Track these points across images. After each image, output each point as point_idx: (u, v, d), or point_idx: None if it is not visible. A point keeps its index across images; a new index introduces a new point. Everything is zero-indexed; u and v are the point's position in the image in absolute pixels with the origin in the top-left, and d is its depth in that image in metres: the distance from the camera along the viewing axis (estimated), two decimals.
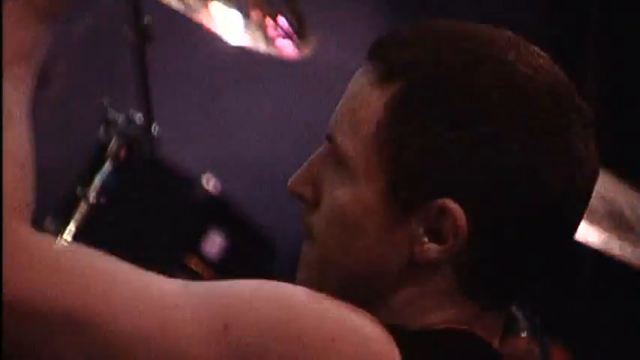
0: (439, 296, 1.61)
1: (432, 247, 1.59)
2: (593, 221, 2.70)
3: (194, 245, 3.76)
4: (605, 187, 2.73)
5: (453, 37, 1.61)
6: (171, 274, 3.89)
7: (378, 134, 1.58)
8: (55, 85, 4.25)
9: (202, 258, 3.77)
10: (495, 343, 1.66)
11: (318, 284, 1.61)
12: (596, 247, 2.74)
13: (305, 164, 1.66)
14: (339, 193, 1.61)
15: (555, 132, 1.59)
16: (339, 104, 1.63)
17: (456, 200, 1.57)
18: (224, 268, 3.79)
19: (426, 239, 1.59)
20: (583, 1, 4.65)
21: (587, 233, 2.67)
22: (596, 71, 4.52)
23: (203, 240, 3.76)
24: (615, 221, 2.64)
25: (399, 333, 1.56)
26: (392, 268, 1.60)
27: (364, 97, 1.60)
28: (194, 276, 3.75)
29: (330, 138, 1.63)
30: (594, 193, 1.68)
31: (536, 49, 1.63)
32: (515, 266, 1.63)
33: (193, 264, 3.76)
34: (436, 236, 1.58)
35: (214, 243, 3.79)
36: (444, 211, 1.57)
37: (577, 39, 4.61)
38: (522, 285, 1.65)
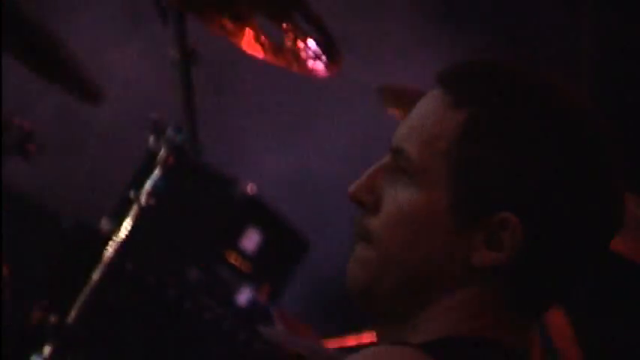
0: (486, 309, 1.61)
1: (489, 255, 1.59)
2: None
3: (233, 241, 3.73)
4: None
5: (519, 74, 1.64)
6: (212, 267, 3.93)
7: (449, 150, 1.60)
8: (110, 100, 4.28)
9: (241, 253, 3.76)
10: (525, 350, 1.66)
11: (376, 282, 1.63)
12: None
13: (366, 173, 1.66)
14: (405, 199, 1.61)
15: (611, 171, 1.63)
16: (408, 121, 1.65)
17: (516, 215, 1.58)
18: (260, 262, 3.79)
19: (484, 247, 1.60)
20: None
21: None
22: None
23: (241, 237, 3.75)
24: None
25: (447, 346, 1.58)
26: (449, 270, 1.60)
27: (438, 116, 1.62)
28: (233, 269, 3.77)
29: (396, 150, 1.63)
30: None
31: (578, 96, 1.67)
32: (558, 281, 1.63)
33: (232, 258, 3.76)
34: (493, 245, 1.59)
35: (251, 239, 3.77)
36: (504, 223, 1.58)
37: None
38: (560, 298, 1.66)
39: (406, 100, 3.06)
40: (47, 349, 2.88)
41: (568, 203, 1.60)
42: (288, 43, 2.91)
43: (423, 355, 1.53)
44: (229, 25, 2.89)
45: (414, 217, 1.61)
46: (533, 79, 1.64)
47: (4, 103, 2.94)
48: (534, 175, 1.59)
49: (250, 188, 3.77)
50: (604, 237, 1.65)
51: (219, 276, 3.74)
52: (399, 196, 1.62)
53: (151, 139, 2.97)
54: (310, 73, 2.92)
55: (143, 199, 2.93)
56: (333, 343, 3.62)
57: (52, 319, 2.89)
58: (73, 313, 2.90)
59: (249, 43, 2.91)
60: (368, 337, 3.52)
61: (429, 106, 1.64)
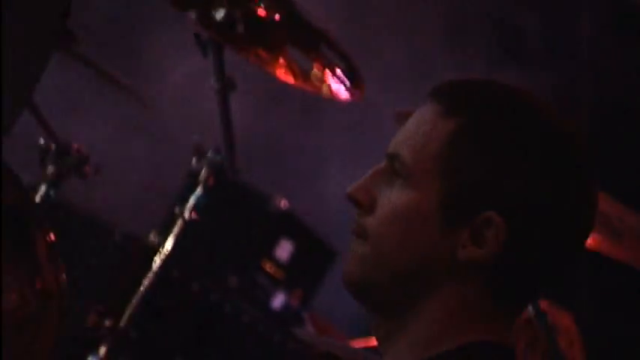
0: (473, 304, 1.60)
1: (473, 250, 1.59)
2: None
3: (268, 252, 3.75)
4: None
5: (504, 90, 1.65)
6: (250, 275, 3.92)
7: (441, 154, 1.60)
8: (157, 127, 4.29)
9: (275, 262, 3.77)
10: (514, 345, 1.65)
11: (370, 276, 1.62)
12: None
13: (364, 176, 1.66)
14: (398, 200, 1.61)
15: (583, 175, 1.63)
16: (404, 129, 1.65)
17: (500, 214, 1.58)
18: (293, 270, 3.79)
19: (469, 243, 1.59)
20: None
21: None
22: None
23: (275, 247, 3.76)
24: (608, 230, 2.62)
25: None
26: (438, 265, 1.60)
27: (430, 125, 1.62)
28: (268, 277, 3.77)
29: (392, 155, 1.64)
30: None
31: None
32: (539, 276, 1.63)
33: (268, 267, 3.77)
34: (478, 242, 1.59)
35: (285, 249, 3.78)
36: (489, 221, 1.58)
37: None
38: (540, 292, 1.66)
39: None
40: (102, 350, 2.89)
41: (548, 205, 1.59)
42: (316, 71, 2.92)
43: None
44: (264, 55, 2.90)
45: (407, 216, 1.60)
46: (516, 95, 1.64)
47: (64, 129, 2.95)
48: (516, 178, 1.59)
49: (283, 203, 3.78)
50: (580, 235, 1.64)
51: (255, 282, 3.74)
52: (393, 197, 1.62)
53: (194, 160, 2.98)
54: (335, 97, 2.94)
55: (187, 214, 2.94)
56: (358, 343, 3.62)
57: (107, 322, 2.90)
58: (125, 317, 2.91)
59: (282, 71, 2.92)
60: None
61: (422, 116, 1.64)
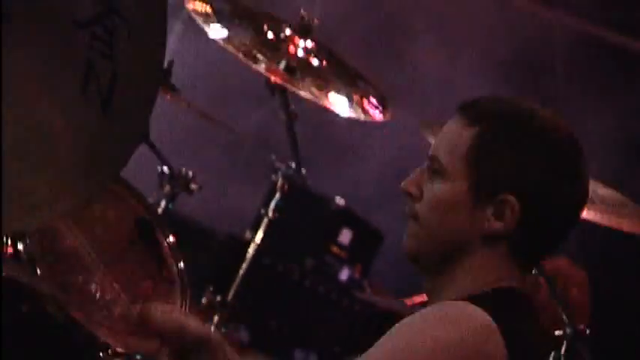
0: (498, 263, 1.63)
1: (496, 224, 1.63)
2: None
3: (333, 238, 3.76)
4: None
5: (514, 103, 1.69)
6: (321, 257, 3.89)
7: (466, 155, 1.65)
8: (244, 151, 4.30)
9: (339, 245, 3.78)
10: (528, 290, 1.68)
11: (422, 248, 1.66)
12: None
13: (412, 174, 1.70)
14: (439, 190, 1.66)
15: (575, 163, 1.66)
16: (439, 136, 1.70)
17: (515, 195, 1.62)
18: (352, 251, 3.80)
19: (492, 218, 1.63)
20: None
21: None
22: None
23: (338, 234, 3.78)
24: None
25: (482, 295, 1.60)
26: (470, 235, 1.64)
27: (458, 132, 1.67)
28: (335, 257, 3.77)
29: (432, 157, 1.68)
30: None
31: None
32: (547, 241, 1.67)
33: (334, 250, 3.77)
34: (499, 217, 1.63)
35: (345, 236, 3.79)
36: (506, 202, 1.62)
37: None
38: (548, 254, 1.69)
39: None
40: (215, 318, 2.91)
41: (551, 187, 1.63)
42: (356, 100, 2.92)
43: (472, 305, 1.56)
44: (317, 92, 2.90)
45: (446, 202, 1.65)
46: (521, 106, 1.68)
47: (174, 154, 2.96)
48: (525, 168, 1.63)
49: (341, 202, 3.79)
50: (576, 211, 1.68)
51: (326, 262, 3.75)
52: (434, 188, 1.66)
53: (273, 175, 2.99)
54: (372, 119, 2.93)
55: (270, 214, 2.95)
56: (407, 301, 3.60)
57: (218, 298, 2.92)
58: (230, 294, 2.92)
59: (329, 102, 2.92)
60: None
61: (452, 126, 1.69)
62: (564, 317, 2.33)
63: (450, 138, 1.67)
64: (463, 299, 1.59)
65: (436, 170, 1.66)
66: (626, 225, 2.52)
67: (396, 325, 1.55)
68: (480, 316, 1.54)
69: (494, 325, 1.53)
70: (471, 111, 1.67)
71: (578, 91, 4.33)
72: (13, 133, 1.34)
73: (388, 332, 1.54)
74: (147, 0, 1.44)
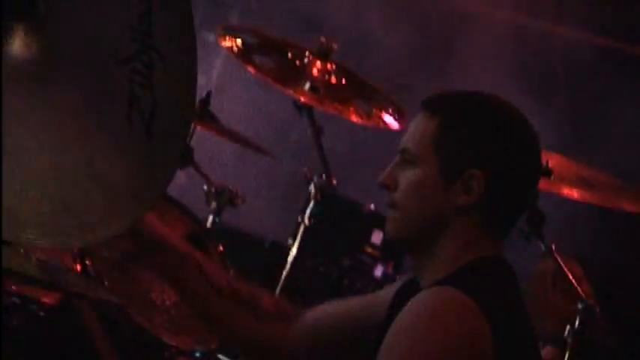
0: (475, 233, 1.64)
1: (466, 197, 1.65)
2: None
3: (367, 239, 3.73)
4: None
5: (470, 92, 1.73)
6: (357, 256, 3.85)
7: (433, 142, 1.67)
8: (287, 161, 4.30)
9: (372, 245, 3.76)
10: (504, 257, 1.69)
11: (402, 230, 1.68)
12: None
13: (387, 168, 1.72)
14: (411, 177, 1.67)
15: (525, 135, 1.69)
16: (407, 133, 1.72)
17: (478, 169, 1.65)
18: (385, 250, 3.79)
19: (462, 193, 1.65)
20: None
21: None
22: None
23: (371, 236, 3.74)
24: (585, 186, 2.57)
25: (469, 266, 1.61)
26: (445, 212, 1.66)
27: (423, 124, 1.70)
28: (369, 256, 3.77)
29: (403, 149, 1.71)
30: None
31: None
32: (512, 205, 1.68)
33: (368, 250, 3.76)
34: (468, 191, 1.65)
35: (378, 237, 3.76)
36: (472, 176, 1.65)
37: None
38: (515, 222, 1.70)
39: None
40: None
41: (508, 158, 1.66)
42: (375, 111, 2.93)
43: (451, 291, 1.56)
44: (339, 107, 2.92)
45: (419, 187, 1.67)
46: (477, 95, 1.71)
47: (220, 174, 3.00)
48: (485, 144, 1.65)
49: (372, 207, 3.80)
50: (532, 179, 1.70)
51: (361, 261, 3.75)
52: (408, 176, 1.68)
53: (307, 185, 3.01)
54: (389, 128, 2.94)
55: (306, 221, 2.97)
56: None
57: None
58: (276, 292, 2.93)
59: (353, 115, 2.94)
60: None
61: (418, 120, 1.72)
62: (579, 293, 2.32)
63: (416, 130, 1.70)
64: (441, 281, 1.59)
65: (407, 160, 1.68)
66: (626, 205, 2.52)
67: (392, 331, 1.54)
68: (460, 301, 1.53)
69: (474, 304, 1.53)
70: (432, 104, 1.71)
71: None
72: (69, 161, 1.39)
73: (385, 341, 1.53)
74: (178, 37, 1.47)
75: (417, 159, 1.67)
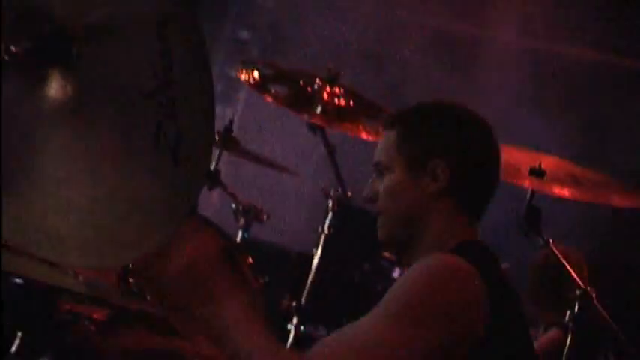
0: (452, 218, 1.68)
1: (435, 185, 1.69)
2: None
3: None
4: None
5: (419, 102, 1.78)
6: (376, 261, 3.84)
7: (396, 147, 1.73)
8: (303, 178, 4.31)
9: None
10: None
11: (390, 232, 1.71)
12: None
13: (367, 185, 1.77)
14: (387, 184, 1.72)
15: (477, 124, 1.74)
16: (376, 150, 1.77)
17: (442, 160, 1.69)
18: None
19: (432, 182, 1.69)
20: None
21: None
22: None
23: None
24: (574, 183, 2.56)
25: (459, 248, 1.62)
26: (422, 204, 1.69)
27: (386, 138, 1.76)
28: (387, 260, 3.76)
29: (376, 164, 1.76)
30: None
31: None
32: (480, 191, 1.72)
33: (386, 254, 3.75)
34: (435, 178, 1.69)
35: None
36: (436, 165, 1.69)
37: None
38: (485, 206, 1.72)
39: None
40: (295, 320, 2.94)
41: (466, 146, 1.70)
42: (381, 130, 2.95)
43: (452, 255, 1.59)
44: (349, 126, 2.95)
45: (394, 188, 1.71)
46: (434, 104, 1.76)
47: (247, 194, 3.01)
48: (440, 136, 1.70)
49: None
50: (493, 163, 1.72)
51: (381, 265, 3.75)
52: (385, 184, 1.73)
53: (325, 199, 3.03)
54: None
55: (326, 230, 2.99)
56: None
57: (294, 303, 2.95)
58: (303, 299, 2.96)
59: (362, 132, 2.96)
60: None
61: (383, 138, 1.78)
62: (576, 281, 2.31)
63: (383, 145, 1.76)
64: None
65: (381, 171, 1.74)
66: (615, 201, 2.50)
67: (394, 287, 1.56)
68: (461, 263, 1.56)
69: (474, 269, 1.55)
70: (390, 120, 1.77)
71: None
72: (105, 188, 1.42)
73: (387, 294, 1.57)
74: (196, 72, 1.49)
75: (388, 167, 1.73)
